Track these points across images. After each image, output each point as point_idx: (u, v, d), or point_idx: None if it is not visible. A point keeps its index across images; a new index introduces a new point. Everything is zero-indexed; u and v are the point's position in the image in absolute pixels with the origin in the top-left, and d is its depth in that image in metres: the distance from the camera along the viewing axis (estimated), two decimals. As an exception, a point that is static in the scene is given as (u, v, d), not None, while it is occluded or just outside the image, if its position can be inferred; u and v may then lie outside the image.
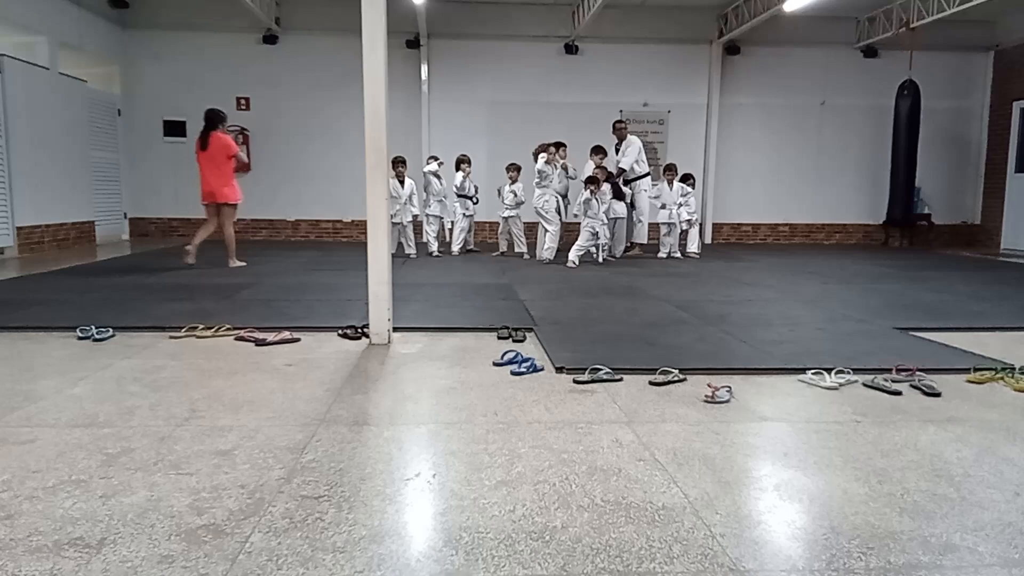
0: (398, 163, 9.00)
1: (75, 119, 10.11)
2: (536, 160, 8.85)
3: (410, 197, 9.15)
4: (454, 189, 9.50)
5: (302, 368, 3.60)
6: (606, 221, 8.74)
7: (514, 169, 9.36)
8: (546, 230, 8.85)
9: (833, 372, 3.45)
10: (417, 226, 9.60)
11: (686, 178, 9.81)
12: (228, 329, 4.38)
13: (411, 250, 9.21)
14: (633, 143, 9.71)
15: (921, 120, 11.51)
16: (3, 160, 8.55)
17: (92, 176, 10.57)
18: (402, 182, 9.03)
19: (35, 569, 1.67)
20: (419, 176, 9.57)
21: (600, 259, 8.66)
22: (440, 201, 9.49)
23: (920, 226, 12.34)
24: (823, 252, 11.02)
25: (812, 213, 12.79)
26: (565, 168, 9.23)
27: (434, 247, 9.39)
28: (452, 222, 9.71)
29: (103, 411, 2.86)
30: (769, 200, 12.53)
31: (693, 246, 9.86)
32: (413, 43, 11.77)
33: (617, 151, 9.74)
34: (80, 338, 4.16)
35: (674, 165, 9.84)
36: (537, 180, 8.82)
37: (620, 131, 9.80)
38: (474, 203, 9.58)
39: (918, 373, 3.43)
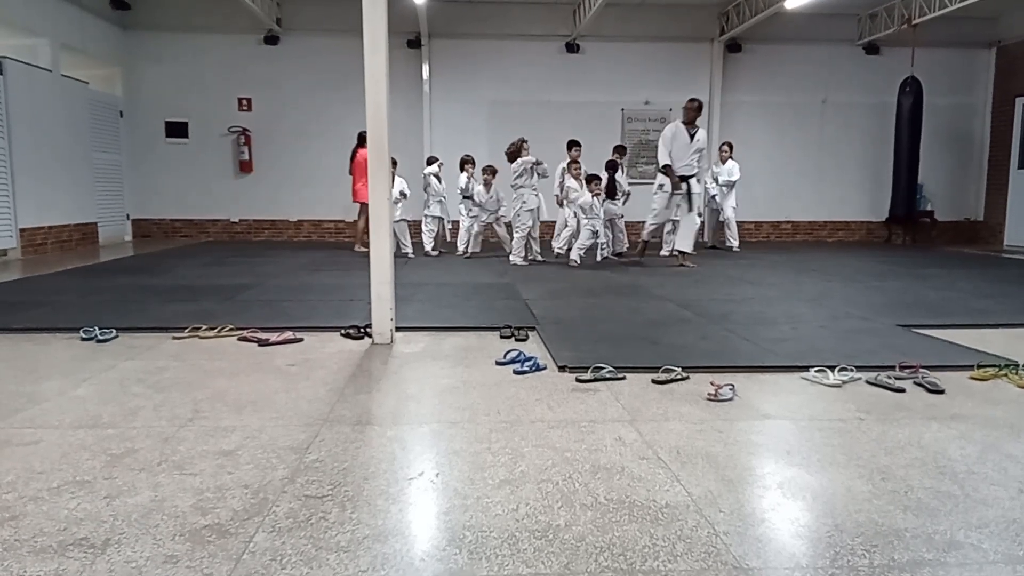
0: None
1: (77, 121, 10.14)
2: (512, 160, 8.64)
3: (400, 194, 9.09)
4: (459, 190, 9.46)
5: (305, 368, 3.61)
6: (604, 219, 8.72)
7: None
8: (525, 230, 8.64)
9: (836, 370, 3.44)
10: (414, 226, 9.59)
11: None
12: (231, 330, 4.38)
13: (407, 249, 9.20)
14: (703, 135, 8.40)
15: (923, 117, 11.49)
16: (6, 162, 8.57)
17: (95, 177, 10.60)
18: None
19: (40, 570, 1.68)
20: (415, 177, 9.51)
21: (599, 258, 8.65)
22: (439, 202, 9.46)
23: (923, 223, 12.32)
24: (825, 250, 11.01)
25: (814, 210, 12.78)
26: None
27: (429, 247, 9.38)
28: (454, 223, 9.68)
29: (107, 412, 2.87)
30: (771, 198, 12.53)
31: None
32: (414, 43, 11.78)
33: (693, 138, 8.07)
34: (83, 339, 4.17)
35: None
36: (515, 179, 8.65)
37: (694, 111, 8.08)
38: (476, 204, 9.55)
39: (921, 370, 3.43)
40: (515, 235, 8.61)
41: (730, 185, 10.41)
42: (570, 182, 8.81)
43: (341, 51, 11.23)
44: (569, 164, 8.89)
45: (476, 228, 9.44)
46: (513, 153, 8.70)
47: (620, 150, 9.82)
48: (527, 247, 8.62)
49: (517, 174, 8.59)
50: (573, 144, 9.08)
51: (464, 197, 9.42)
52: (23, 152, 8.82)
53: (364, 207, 9.52)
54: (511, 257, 8.52)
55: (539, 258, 8.66)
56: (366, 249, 9.48)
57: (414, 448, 2.53)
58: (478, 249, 9.76)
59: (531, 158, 8.56)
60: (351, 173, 9.74)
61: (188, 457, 2.39)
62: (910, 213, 11.93)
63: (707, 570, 1.70)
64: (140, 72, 11.70)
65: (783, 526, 1.94)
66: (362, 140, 9.48)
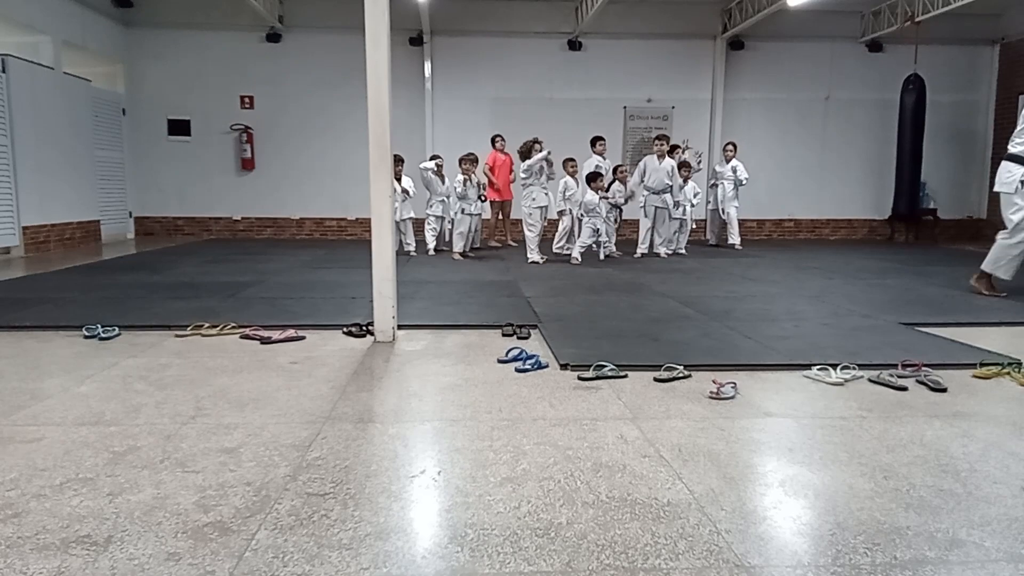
0: (395, 161, 8.87)
1: (80, 118, 10.15)
2: (525, 158, 8.72)
3: (405, 193, 9.06)
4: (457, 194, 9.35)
5: (307, 366, 3.61)
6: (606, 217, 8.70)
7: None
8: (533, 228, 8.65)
9: (838, 368, 3.44)
10: (417, 224, 9.57)
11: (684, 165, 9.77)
12: (233, 327, 4.38)
13: (411, 247, 9.19)
14: None
15: (926, 114, 11.47)
16: (8, 160, 8.59)
17: (97, 175, 10.62)
18: (399, 180, 8.95)
19: (43, 567, 1.68)
20: (416, 173, 9.46)
21: (602, 256, 8.65)
22: (442, 201, 9.39)
23: (925, 221, 12.29)
24: (828, 247, 11.00)
25: (817, 208, 12.76)
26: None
27: (432, 245, 9.35)
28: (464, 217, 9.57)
29: (109, 409, 2.87)
30: (773, 195, 12.51)
31: (684, 241, 9.77)
32: (416, 40, 11.77)
33: None
34: (86, 337, 4.17)
35: (688, 162, 9.78)
36: (525, 178, 8.69)
37: None
38: (482, 201, 9.50)
39: (924, 368, 3.42)
40: (527, 233, 8.62)
41: (740, 184, 10.34)
42: (567, 180, 8.81)
43: (343, 48, 11.22)
44: (565, 162, 8.87)
45: (466, 226, 9.14)
46: (525, 152, 8.75)
47: (669, 140, 9.79)
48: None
49: (527, 173, 8.59)
50: (597, 139, 9.34)
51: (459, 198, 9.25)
52: (26, 150, 8.83)
53: (492, 204, 10.33)
54: (528, 255, 8.48)
55: (539, 260, 8.56)
56: (498, 245, 10.35)
57: (416, 446, 2.53)
58: (477, 245, 9.76)
59: (543, 153, 8.57)
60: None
61: (190, 454, 2.39)
62: (913, 211, 11.90)
63: (709, 568, 1.70)
64: (142, 69, 11.70)
65: (785, 524, 1.94)
66: (492, 142, 10.28)
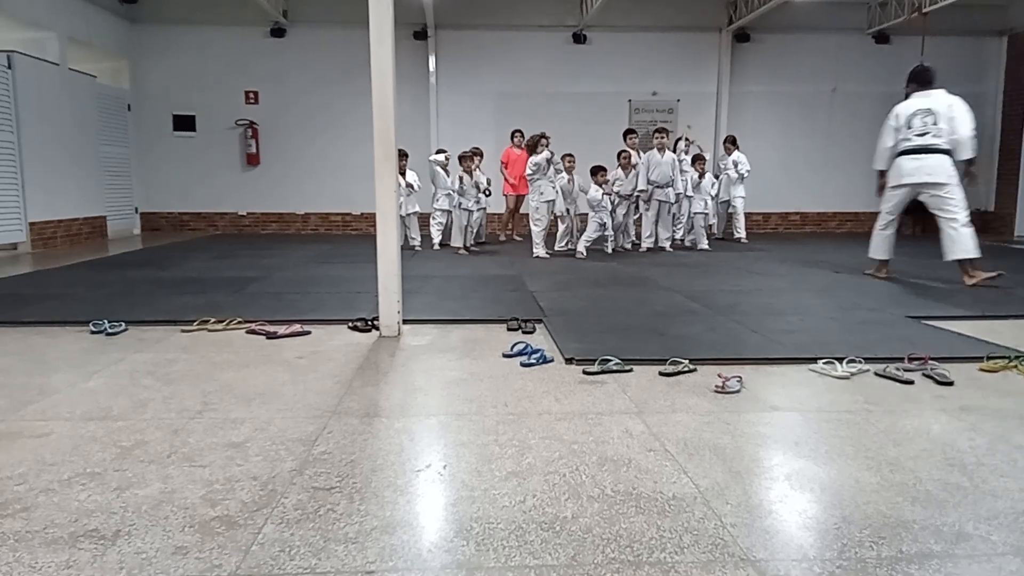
0: (400, 156, 8.83)
1: (85, 114, 10.17)
2: (532, 153, 8.72)
3: (410, 188, 9.04)
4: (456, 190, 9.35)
5: (313, 361, 3.62)
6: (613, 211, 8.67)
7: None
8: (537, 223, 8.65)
9: (844, 361, 3.43)
10: (422, 218, 9.57)
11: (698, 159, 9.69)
12: (239, 322, 4.40)
13: (415, 242, 9.19)
14: None
15: (933, 106, 11.38)
16: (15, 156, 8.61)
17: (103, 171, 10.65)
18: (403, 174, 8.93)
19: (51, 561, 1.69)
20: (422, 168, 9.45)
21: (609, 250, 8.64)
22: (448, 195, 9.38)
23: (932, 213, 12.20)
24: (834, 241, 10.96)
25: (823, 201, 12.71)
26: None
27: (437, 240, 9.34)
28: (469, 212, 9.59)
29: (117, 404, 2.88)
30: (779, 189, 12.46)
31: (704, 240, 9.65)
32: (421, 34, 11.75)
33: None
34: (93, 332, 4.19)
35: (703, 156, 9.71)
36: (531, 173, 8.68)
37: None
38: (487, 195, 9.47)
39: (930, 362, 3.41)
40: (534, 227, 8.62)
41: (742, 176, 10.29)
42: (564, 175, 8.80)
43: (347, 43, 11.22)
44: (563, 157, 8.82)
45: (464, 221, 9.06)
46: (532, 146, 8.75)
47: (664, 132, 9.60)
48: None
49: (534, 168, 8.59)
50: (628, 132, 9.38)
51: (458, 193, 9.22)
52: (32, 146, 8.86)
53: (507, 199, 10.43)
54: (534, 249, 8.47)
55: (544, 254, 8.55)
56: (505, 239, 10.41)
57: (422, 440, 2.54)
58: (482, 240, 9.77)
59: (545, 154, 8.55)
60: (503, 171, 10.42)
61: (197, 449, 2.40)
62: (919, 203, 11.82)
63: (714, 562, 1.70)
64: (147, 65, 11.73)
65: (790, 518, 1.93)
66: (511, 137, 10.41)
